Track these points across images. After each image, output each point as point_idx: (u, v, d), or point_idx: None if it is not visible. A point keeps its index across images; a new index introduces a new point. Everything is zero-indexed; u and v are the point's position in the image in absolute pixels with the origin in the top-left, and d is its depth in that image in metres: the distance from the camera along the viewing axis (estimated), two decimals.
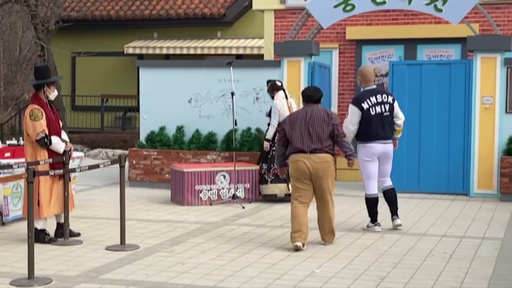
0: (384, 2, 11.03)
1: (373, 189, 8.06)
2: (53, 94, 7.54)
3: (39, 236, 7.36)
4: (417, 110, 11.21)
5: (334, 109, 12.96)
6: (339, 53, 13.31)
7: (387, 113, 8.08)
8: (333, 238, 7.41)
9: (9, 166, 7.46)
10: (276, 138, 7.91)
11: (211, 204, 9.94)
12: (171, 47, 19.48)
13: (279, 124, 7.57)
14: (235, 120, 10.54)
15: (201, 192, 9.97)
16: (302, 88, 11.26)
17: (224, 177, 10.08)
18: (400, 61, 12.53)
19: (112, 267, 6.37)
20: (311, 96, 7.42)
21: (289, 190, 10.37)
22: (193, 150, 11.62)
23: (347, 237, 7.76)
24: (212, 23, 19.86)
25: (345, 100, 12.90)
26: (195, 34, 19.94)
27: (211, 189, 10.03)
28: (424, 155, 11.19)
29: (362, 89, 8.39)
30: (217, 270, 6.27)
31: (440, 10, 10.81)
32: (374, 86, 8.25)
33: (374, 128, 7.98)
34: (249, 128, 11.37)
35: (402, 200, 10.43)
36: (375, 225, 8.09)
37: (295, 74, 11.41)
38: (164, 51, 19.55)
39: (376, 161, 8.07)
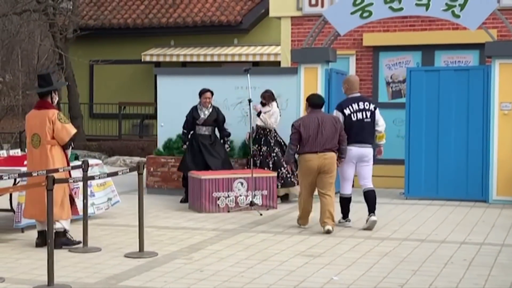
0: (401, 9, 11.01)
1: (348, 190, 8.85)
2: (56, 100, 7.76)
3: (63, 241, 7.43)
4: (435, 116, 11.17)
5: None
6: (356, 59, 13.29)
7: (368, 120, 8.77)
8: (333, 223, 8.42)
9: (29, 174, 7.50)
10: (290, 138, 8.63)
11: (228, 211, 9.94)
12: (188, 54, 19.56)
13: (293, 126, 8.51)
14: (253, 127, 10.60)
15: (218, 199, 9.98)
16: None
17: (242, 184, 10.08)
18: (418, 68, 12.49)
19: (131, 274, 6.39)
20: (317, 102, 8.57)
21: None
22: None
23: (366, 244, 7.73)
24: (229, 31, 19.93)
25: None
26: (212, 41, 20.01)
27: (228, 196, 10.03)
28: (442, 161, 11.13)
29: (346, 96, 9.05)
30: (235, 277, 6.27)
31: (458, 16, 10.77)
32: (358, 94, 8.95)
33: (354, 132, 8.66)
34: None
35: (421, 207, 10.41)
36: (346, 220, 8.89)
37: (312, 81, 11.40)
38: (181, 59, 19.64)
39: (353, 165, 8.78)
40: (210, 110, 10.91)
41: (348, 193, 8.82)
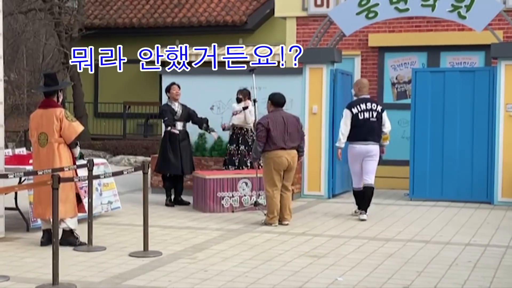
0: (407, 9, 11.00)
1: (359, 184, 9.57)
2: (61, 99, 7.78)
3: (69, 239, 7.46)
4: (440, 117, 11.15)
5: None
6: (362, 60, 13.29)
7: (374, 119, 9.44)
8: (291, 218, 8.98)
9: (34, 173, 7.51)
10: (256, 135, 8.95)
11: (233, 211, 9.95)
12: (193, 54, 19.54)
13: (260, 124, 8.82)
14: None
15: (223, 199, 9.98)
16: (324, 96, 11.33)
17: (246, 184, 10.08)
18: (423, 68, 12.47)
19: (135, 273, 6.40)
20: (280, 101, 8.99)
21: None
22: (215, 157, 11.64)
23: (370, 245, 7.72)
24: (234, 31, 19.92)
25: None
26: (217, 41, 19.94)
27: (233, 196, 10.03)
28: (447, 162, 11.12)
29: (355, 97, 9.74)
30: (239, 277, 6.27)
31: (464, 17, 10.76)
32: (368, 96, 9.63)
33: (359, 131, 9.38)
34: None
35: (425, 208, 10.40)
36: (361, 212, 9.40)
37: (317, 82, 11.40)
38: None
39: (359, 161, 9.49)
40: (180, 105, 10.70)
41: (359, 186, 9.56)
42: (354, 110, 9.42)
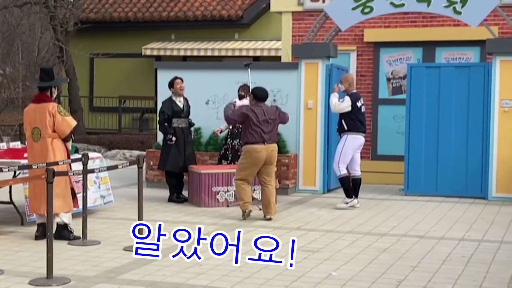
0: (402, 5, 11.00)
1: (345, 170, 9.88)
2: (56, 94, 7.77)
3: (63, 233, 7.45)
4: (435, 113, 11.17)
5: None
6: (357, 55, 13.28)
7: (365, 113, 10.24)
8: (275, 213, 8.93)
9: (29, 167, 7.50)
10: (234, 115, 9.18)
11: (228, 206, 9.95)
12: (189, 48, 19.54)
13: (238, 110, 9.05)
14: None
15: (218, 193, 9.99)
16: (320, 91, 11.34)
17: None
18: (419, 64, 12.48)
19: (130, 267, 6.40)
20: (262, 96, 9.00)
21: None
22: (210, 151, 11.63)
23: (364, 239, 7.74)
24: (230, 25, 19.91)
25: None
26: (213, 36, 19.99)
27: (228, 191, 10.04)
28: (442, 158, 11.14)
29: (345, 93, 10.11)
30: (234, 271, 6.28)
31: (459, 13, 10.77)
32: (356, 91, 10.19)
33: (362, 123, 9.96)
34: None
35: (420, 203, 10.43)
36: (352, 199, 9.84)
37: (312, 77, 11.39)
38: (182, 53, 19.62)
39: (354, 152, 9.92)
40: (184, 99, 10.49)
41: (345, 173, 9.89)
42: (359, 103, 9.93)
